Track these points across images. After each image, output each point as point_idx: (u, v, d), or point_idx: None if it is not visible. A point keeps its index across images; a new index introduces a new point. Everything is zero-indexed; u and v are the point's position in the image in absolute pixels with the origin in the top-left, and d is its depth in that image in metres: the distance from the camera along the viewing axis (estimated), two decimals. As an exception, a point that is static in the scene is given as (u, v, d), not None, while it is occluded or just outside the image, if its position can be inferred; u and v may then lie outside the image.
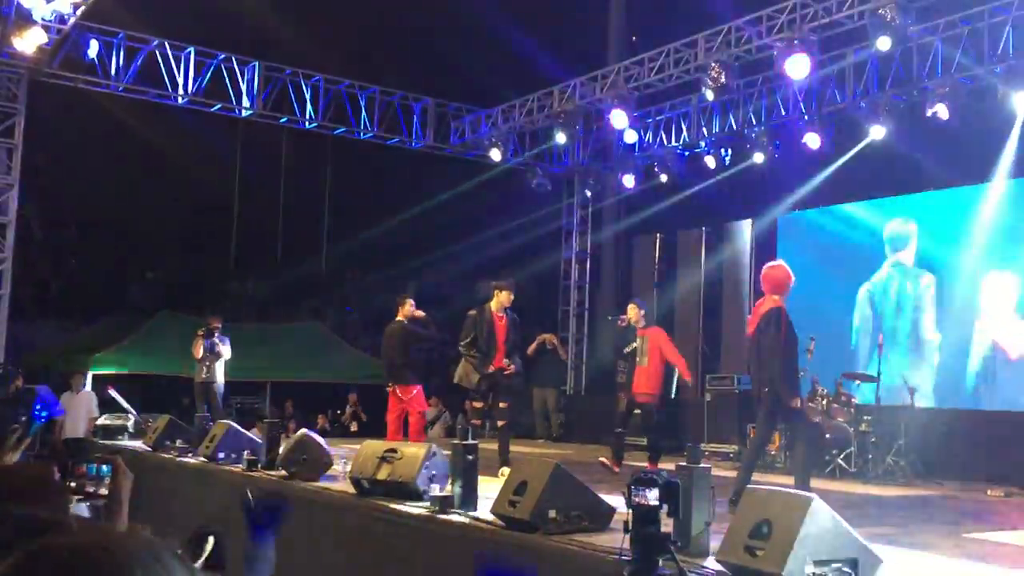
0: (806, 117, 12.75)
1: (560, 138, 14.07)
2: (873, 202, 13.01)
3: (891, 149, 12.13)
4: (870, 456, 9.97)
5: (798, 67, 10.38)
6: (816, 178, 13.52)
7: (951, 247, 11.86)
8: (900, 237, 12.66)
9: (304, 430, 8.13)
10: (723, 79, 11.31)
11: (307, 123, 14.50)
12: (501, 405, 8.93)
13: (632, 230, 16.44)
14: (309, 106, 14.26)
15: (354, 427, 16.17)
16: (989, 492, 9.11)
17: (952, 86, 11.01)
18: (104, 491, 2.20)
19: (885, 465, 9.96)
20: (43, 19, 11.47)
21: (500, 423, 9.05)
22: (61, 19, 11.83)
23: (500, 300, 8.97)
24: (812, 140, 12.60)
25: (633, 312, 9.46)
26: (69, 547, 1.17)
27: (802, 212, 13.87)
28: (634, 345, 9.43)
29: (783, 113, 13.08)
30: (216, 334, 12.24)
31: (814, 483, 8.65)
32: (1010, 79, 10.56)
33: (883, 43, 9.83)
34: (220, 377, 12.35)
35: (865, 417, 10.27)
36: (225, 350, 12.28)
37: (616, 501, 5.25)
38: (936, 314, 12.10)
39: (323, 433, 13.78)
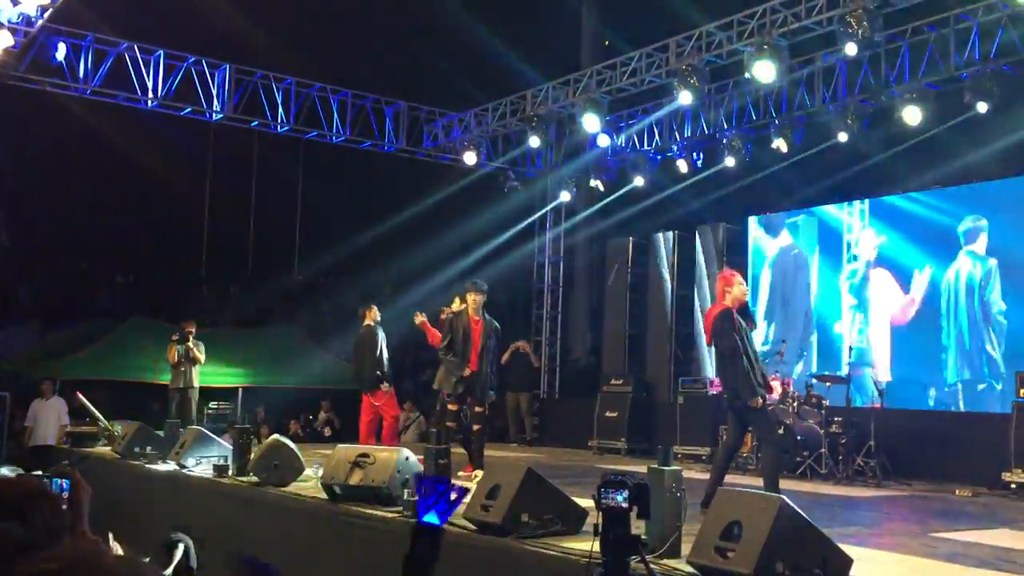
0: (776, 121, 12.86)
1: (533, 142, 14.11)
2: (842, 205, 13.15)
3: (857, 151, 12.28)
4: (840, 457, 10.08)
5: (766, 72, 10.48)
6: (786, 181, 13.64)
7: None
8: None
9: (275, 435, 8.10)
10: (695, 83, 11.39)
11: (279, 127, 14.43)
12: (476, 409, 8.93)
13: (605, 233, 16.50)
14: (281, 109, 14.20)
15: (327, 432, 16.10)
16: (957, 492, 9.24)
17: (919, 91, 11.15)
18: (63, 505, 2.19)
19: (855, 466, 10.07)
20: (9, 21, 11.35)
21: (475, 427, 9.04)
22: (28, 21, 11.72)
23: (471, 302, 8.96)
24: (781, 144, 12.72)
25: (457, 304, 9.34)
26: (67, 568, 1.18)
27: (773, 215, 13.99)
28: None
29: (754, 117, 13.19)
30: (191, 339, 12.20)
31: (784, 484, 8.74)
32: (976, 84, 10.71)
33: (851, 49, 9.95)
34: (195, 382, 12.31)
35: (835, 419, 10.39)
36: (201, 355, 12.24)
37: (589, 504, 5.28)
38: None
39: (296, 439, 13.74)
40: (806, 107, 12.53)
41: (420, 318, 9.99)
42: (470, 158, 14.96)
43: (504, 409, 15.14)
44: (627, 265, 15.35)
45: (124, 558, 1.28)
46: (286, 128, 14.49)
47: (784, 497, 4.52)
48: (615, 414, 13.54)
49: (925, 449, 10.43)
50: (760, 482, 9.51)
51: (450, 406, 8.99)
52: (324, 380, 17.18)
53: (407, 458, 6.62)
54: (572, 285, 17.36)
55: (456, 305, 9.37)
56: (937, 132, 11.47)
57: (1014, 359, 10.62)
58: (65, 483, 2.30)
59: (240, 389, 16.64)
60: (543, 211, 16.86)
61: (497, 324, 9.13)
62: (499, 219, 16.70)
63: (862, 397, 11.61)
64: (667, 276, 14.69)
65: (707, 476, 8.74)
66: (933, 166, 12.02)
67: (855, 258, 12.79)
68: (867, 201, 12.76)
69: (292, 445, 7.90)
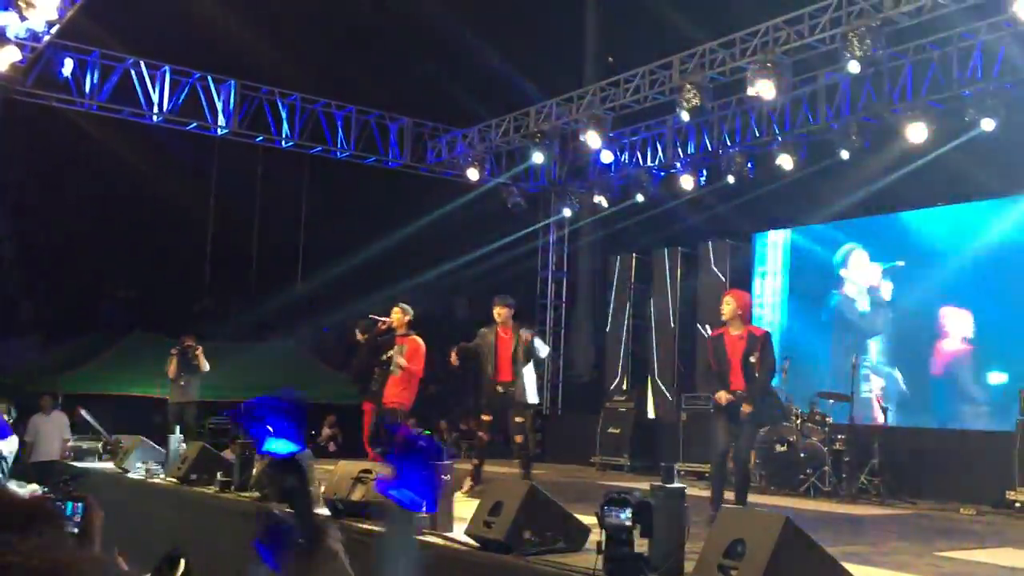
0: (779, 138, 12.88)
1: (537, 158, 14.14)
2: (848, 222, 13.15)
3: (865, 170, 12.29)
4: (844, 475, 10.04)
5: (767, 89, 10.52)
6: (790, 197, 13.66)
7: (915, 270, 12.00)
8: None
9: (278, 451, 8.07)
10: (697, 100, 11.43)
11: (283, 142, 14.48)
12: (515, 420, 8.78)
13: (608, 249, 16.52)
14: (285, 125, 14.25)
15: (332, 448, 16.07)
16: (962, 510, 9.20)
17: (922, 109, 11.18)
18: (74, 529, 2.18)
19: (859, 484, 10.04)
20: (17, 37, 11.41)
21: (516, 438, 8.89)
22: (35, 37, 11.78)
23: (495, 315, 9.01)
24: (785, 161, 12.74)
25: (397, 316, 9.28)
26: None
27: (777, 231, 14.00)
28: (391, 352, 9.26)
29: (756, 134, 13.21)
30: (190, 353, 12.19)
31: (788, 502, 8.70)
32: (979, 103, 10.74)
33: (853, 66, 9.98)
34: (195, 396, 12.29)
35: (839, 436, 10.36)
36: (204, 362, 12.23)
37: (592, 521, 5.26)
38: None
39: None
40: (808, 124, 12.55)
41: (359, 335, 9.50)
42: (473, 174, 14.99)
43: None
44: (630, 280, 15.36)
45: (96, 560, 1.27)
46: (291, 143, 14.53)
47: (789, 515, 4.51)
48: (618, 430, 13.51)
49: (929, 467, 10.40)
50: (764, 499, 9.51)
51: (483, 416, 8.91)
52: (327, 395, 17.18)
53: (409, 474, 6.60)
54: (574, 300, 17.37)
55: (395, 316, 9.27)
56: (941, 150, 11.48)
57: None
58: (79, 506, 2.28)
59: (242, 404, 16.64)
60: (546, 225, 16.88)
61: (530, 331, 9.06)
62: (502, 235, 16.73)
63: (866, 415, 11.58)
64: (670, 292, 14.68)
65: (710, 494, 8.71)
66: (936, 184, 12.01)
67: (858, 277, 12.79)
68: (870, 219, 12.76)
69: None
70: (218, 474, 8.35)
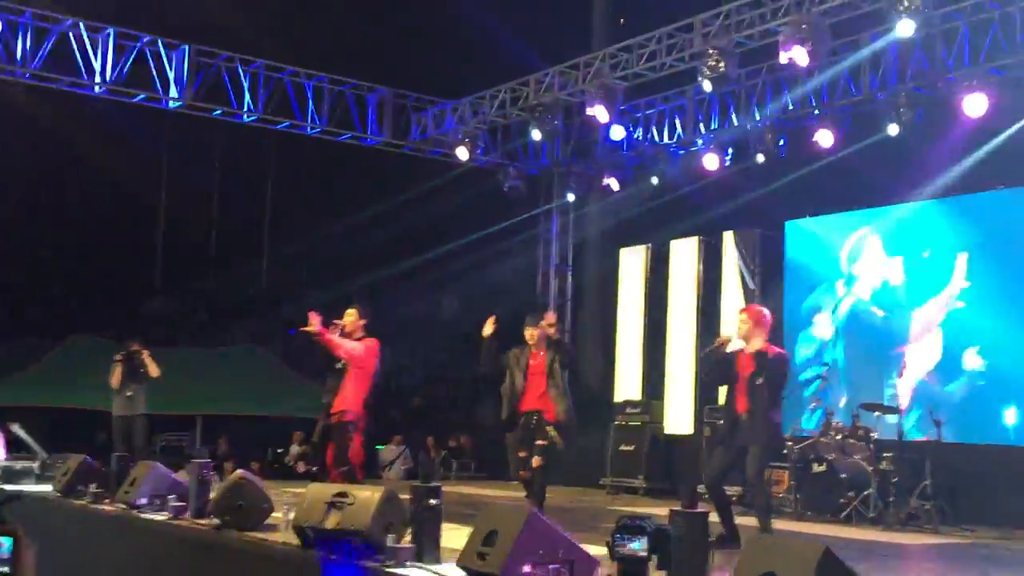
0: (817, 112, 12.89)
1: (536, 134, 14.13)
2: (893, 208, 13.11)
3: (910, 148, 12.27)
4: (891, 499, 10.05)
5: (802, 55, 10.51)
6: (828, 180, 13.65)
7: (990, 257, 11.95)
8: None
9: (240, 471, 8.08)
10: (722, 68, 11.43)
11: (245, 116, 14.48)
12: (538, 442, 8.81)
13: (619, 240, 16.51)
14: (247, 97, 14.25)
15: (301, 468, 16.09)
16: (1027, 539, 9.21)
17: (981, 77, 11.18)
18: (4, 568, 2.18)
19: (909, 509, 10.05)
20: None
21: (535, 461, 8.86)
22: (-43, -5, 11.77)
23: (527, 337, 9.14)
24: (824, 137, 12.73)
25: (351, 318, 9.30)
26: None
27: (813, 218, 13.99)
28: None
29: (790, 107, 13.22)
30: (137, 359, 12.17)
31: (827, 529, 8.71)
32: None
33: (904, 28, 9.96)
34: (142, 409, 12.27)
35: (886, 454, 10.37)
36: (153, 368, 12.19)
37: (601, 552, 5.25)
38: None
39: (264, 475, 13.71)
40: (851, 96, 12.56)
41: (315, 324, 9.11)
42: (464, 153, 14.99)
43: (503, 442, 15.12)
44: (645, 276, 15.35)
45: None
46: (254, 118, 14.53)
47: (828, 545, 4.51)
48: (631, 448, 13.52)
49: (991, 490, 10.41)
50: (797, 526, 9.53)
51: (519, 453, 8.93)
52: (297, 407, 17.16)
53: (391, 498, 6.60)
54: (581, 299, 17.36)
55: (349, 318, 9.27)
56: (1005, 124, 11.48)
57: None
58: (7, 541, 2.27)
59: (198, 418, 16.63)
60: (547, 212, 16.88)
61: (563, 345, 9.20)
62: (496, 223, 16.74)
63: (917, 429, 11.59)
64: (691, 289, 14.68)
65: (738, 520, 8.73)
66: (1000, 163, 11.98)
67: (910, 269, 12.78)
68: (928, 203, 12.72)
69: (259, 482, 7.87)
70: (171, 498, 8.34)
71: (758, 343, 7.68)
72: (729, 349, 7.80)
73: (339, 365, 9.27)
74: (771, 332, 7.82)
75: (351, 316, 9.36)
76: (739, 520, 8.18)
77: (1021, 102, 11.24)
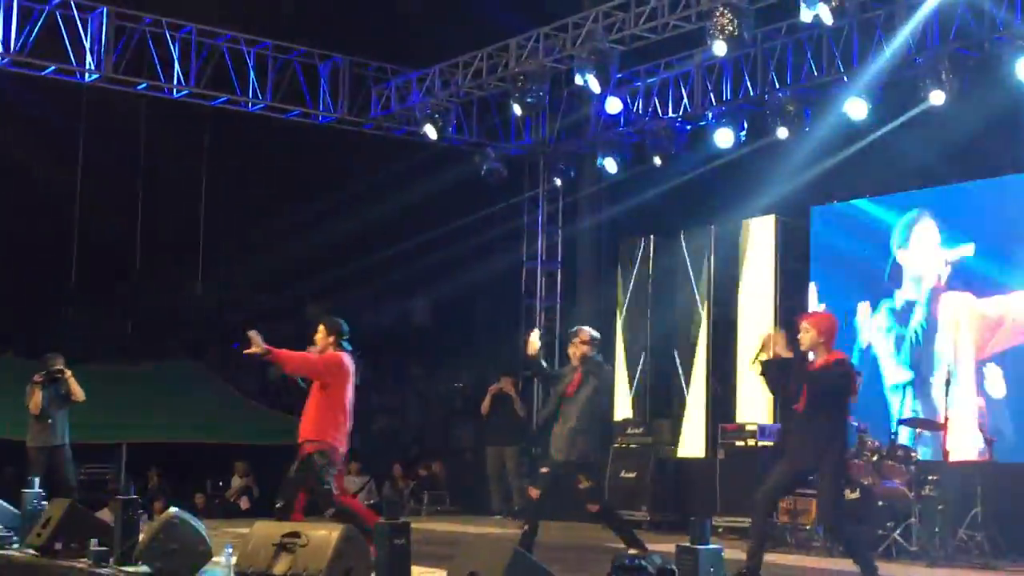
0: (846, 79, 12.95)
1: (518, 109, 14.15)
2: (940, 190, 13.19)
3: (955, 122, 12.33)
4: (937, 529, 10.13)
5: (826, 13, 10.58)
6: (861, 158, 13.74)
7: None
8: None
9: (174, 509, 8.09)
10: (735, 28, 11.48)
11: (175, 90, 14.46)
12: (580, 486, 9.04)
13: (617, 230, 16.58)
14: (178, 67, 14.22)
15: (244, 504, 16.07)
16: (1094, 575, 9.31)
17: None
18: None
19: (956, 541, 10.12)
20: None
21: (589, 508, 9.23)
22: None
23: (570, 356, 9.27)
24: (855, 108, 12.79)
25: (321, 335, 9.20)
26: None
27: (844, 203, 14.07)
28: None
29: (815, 73, 13.29)
30: (60, 380, 12.19)
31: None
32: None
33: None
34: (67, 438, 12.29)
35: (930, 478, 10.44)
36: (78, 390, 12.23)
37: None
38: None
39: (202, 513, 13.69)
40: (883, 60, 12.63)
41: (258, 343, 8.90)
42: (433, 131, 14.99)
43: (483, 470, 15.16)
44: (647, 272, 15.40)
45: None
46: (185, 92, 14.50)
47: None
48: (633, 474, 13.55)
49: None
50: (831, 563, 9.59)
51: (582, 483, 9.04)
52: (240, 433, 17.15)
53: (352, 537, 6.63)
54: (573, 299, 17.40)
55: (320, 337, 9.28)
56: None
57: None
58: None
59: (123, 447, 16.58)
60: (532, 199, 16.91)
61: (596, 361, 9.22)
62: (474, 212, 16.76)
63: (966, 449, 11.68)
64: (700, 287, 14.74)
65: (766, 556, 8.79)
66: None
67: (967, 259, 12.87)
68: (979, 183, 12.81)
69: (196, 522, 7.88)
70: (92, 542, 8.34)
71: (824, 352, 7.94)
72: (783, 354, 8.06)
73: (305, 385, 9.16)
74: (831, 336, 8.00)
75: (320, 333, 9.21)
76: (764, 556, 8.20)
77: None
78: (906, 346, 13.11)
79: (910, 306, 13.10)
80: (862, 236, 13.67)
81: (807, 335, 7.96)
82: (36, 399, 12.18)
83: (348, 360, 9.06)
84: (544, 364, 9.65)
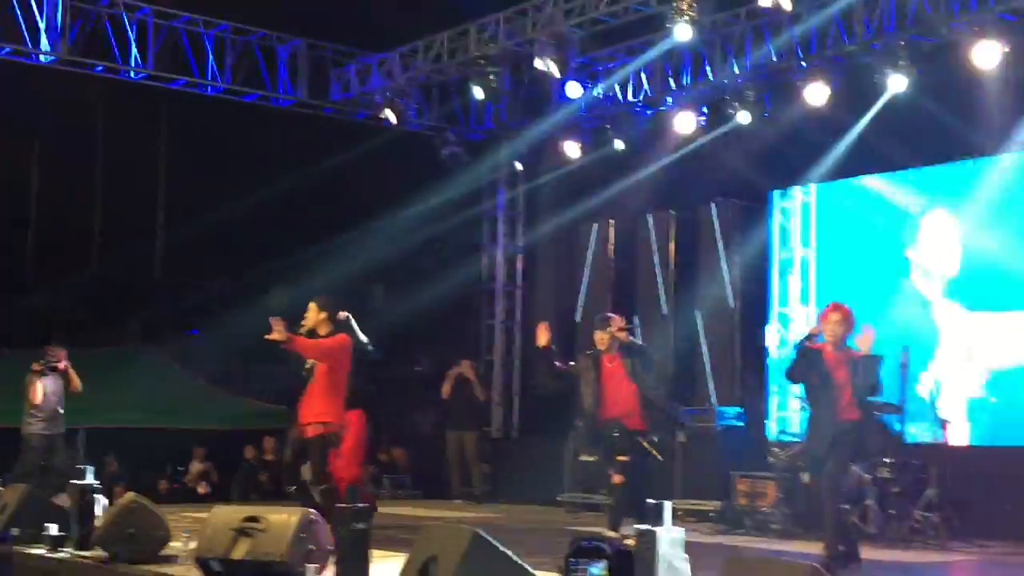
0: (804, 63, 13.00)
1: (478, 93, 14.13)
2: (898, 174, 13.30)
3: (917, 106, 12.41)
4: (893, 511, 10.24)
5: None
6: (819, 143, 13.79)
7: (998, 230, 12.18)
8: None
9: (132, 494, 8.06)
10: (695, 12, 11.50)
11: (133, 72, 14.33)
12: (618, 458, 9.72)
13: (579, 215, 16.58)
14: (135, 50, 14.09)
15: (202, 489, 16.01)
16: (1048, 555, 9.44)
17: (992, 23, 11.35)
18: None
19: (912, 522, 10.24)
20: None
21: (614, 479, 9.77)
22: None
23: (598, 342, 10.03)
24: (815, 94, 12.83)
25: (312, 314, 9.43)
26: None
27: (805, 187, 14.15)
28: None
29: (774, 59, 13.33)
30: (59, 369, 12.56)
31: (820, 547, 8.86)
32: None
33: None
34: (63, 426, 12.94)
35: (886, 460, 10.54)
36: (76, 382, 13.02)
37: (557, 579, 5.32)
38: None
39: (162, 498, 13.64)
40: (843, 45, 12.69)
41: (280, 330, 8.96)
42: (393, 115, 14.95)
43: (443, 454, 15.16)
44: (608, 257, 15.43)
45: None
46: (143, 75, 14.39)
47: (816, 565, 4.61)
48: (594, 458, 13.60)
49: (1005, 498, 10.63)
50: (789, 545, 9.68)
51: (614, 480, 9.71)
52: (198, 418, 17.06)
53: (312, 522, 6.62)
54: (535, 285, 17.40)
55: (310, 314, 9.37)
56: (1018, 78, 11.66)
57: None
58: None
59: (81, 432, 16.47)
60: (492, 183, 16.90)
61: (636, 344, 10.15)
62: (434, 196, 16.71)
63: (923, 430, 11.81)
64: (661, 271, 14.80)
65: (716, 539, 8.96)
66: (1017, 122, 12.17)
67: (912, 242, 12.99)
68: (930, 169, 12.93)
69: (154, 507, 7.86)
70: (49, 528, 8.29)
71: (851, 343, 8.55)
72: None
73: (308, 366, 9.24)
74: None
75: (311, 312, 9.40)
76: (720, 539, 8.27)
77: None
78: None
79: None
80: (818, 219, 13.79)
81: (837, 326, 8.56)
82: (35, 391, 12.70)
83: (348, 339, 9.27)
84: (555, 352, 10.31)
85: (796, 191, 14.08)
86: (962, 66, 11.63)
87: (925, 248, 12.90)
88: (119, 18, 13.98)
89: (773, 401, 13.80)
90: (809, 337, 8.73)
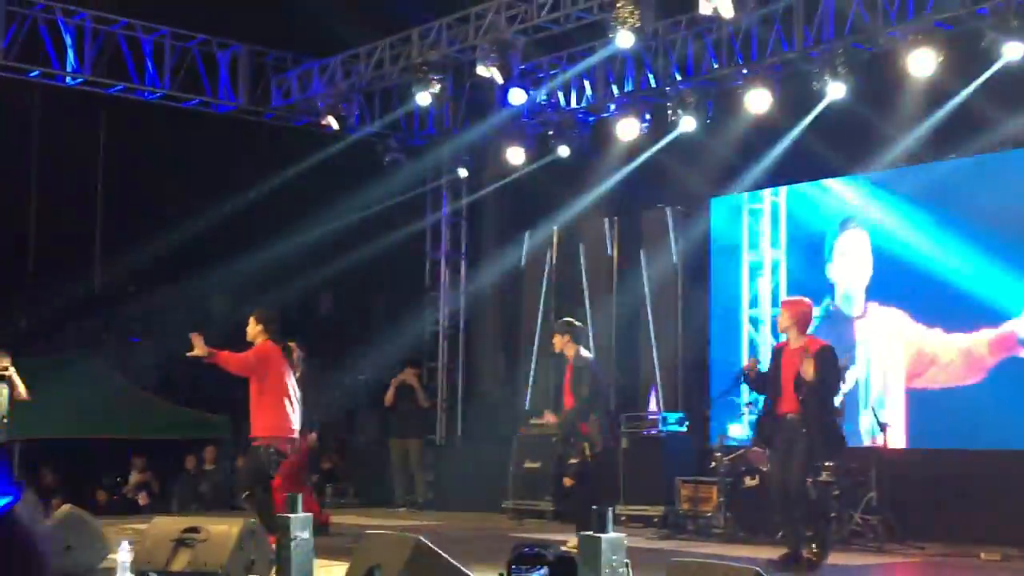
0: (744, 71, 13.13)
1: (422, 99, 14.13)
2: (843, 179, 13.43)
3: (854, 113, 12.57)
4: (833, 514, 10.35)
5: (726, 6, 10.74)
6: (759, 149, 13.92)
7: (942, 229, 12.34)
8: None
9: (68, 507, 7.97)
10: (636, 20, 11.57)
11: (69, 78, 14.19)
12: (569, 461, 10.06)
13: (520, 222, 16.62)
14: (71, 54, 13.96)
15: (143, 500, 15.86)
16: (983, 555, 9.59)
17: (927, 31, 11.53)
18: None
19: (851, 525, 10.36)
20: None
21: (565, 481, 10.17)
22: None
23: (556, 346, 10.45)
24: (757, 100, 12.94)
25: (251, 327, 9.53)
26: None
27: (744, 194, 14.27)
28: None
29: (715, 66, 13.44)
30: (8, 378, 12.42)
31: (760, 551, 8.94)
32: (999, 22, 11.10)
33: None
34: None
35: (826, 464, 10.65)
36: (21, 389, 12.98)
37: (499, 586, 5.33)
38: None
39: (99, 510, 13.48)
40: (782, 52, 12.83)
41: (200, 345, 9.01)
42: (335, 121, 14.91)
43: (387, 462, 15.13)
44: (551, 263, 15.48)
45: None
46: (79, 80, 14.24)
47: (759, 570, 4.66)
48: (537, 464, 13.63)
49: (942, 501, 10.79)
50: (731, 549, 9.74)
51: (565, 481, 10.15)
52: (138, 427, 16.90)
53: (252, 532, 6.59)
54: (478, 292, 17.42)
55: (250, 328, 9.46)
56: (955, 87, 11.85)
57: None
58: None
59: (15, 444, 16.25)
60: (436, 190, 16.89)
61: (585, 355, 10.35)
62: (377, 203, 16.67)
63: (862, 434, 11.96)
64: (605, 277, 14.87)
65: (660, 544, 8.99)
66: (952, 130, 12.36)
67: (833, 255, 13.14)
68: (866, 177, 13.10)
69: (91, 519, 7.78)
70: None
71: (802, 339, 8.76)
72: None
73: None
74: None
75: (250, 324, 9.48)
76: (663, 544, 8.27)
77: (971, 60, 11.60)
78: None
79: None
80: (759, 225, 13.92)
81: (785, 321, 8.92)
82: None
83: (275, 348, 9.17)
84: None
85: (765, 193, 14.11)
86: (899, 74, 11.82)
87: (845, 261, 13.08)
88: (55, 22, 13.85)
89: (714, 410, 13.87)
90: (749, 371, 9.19)
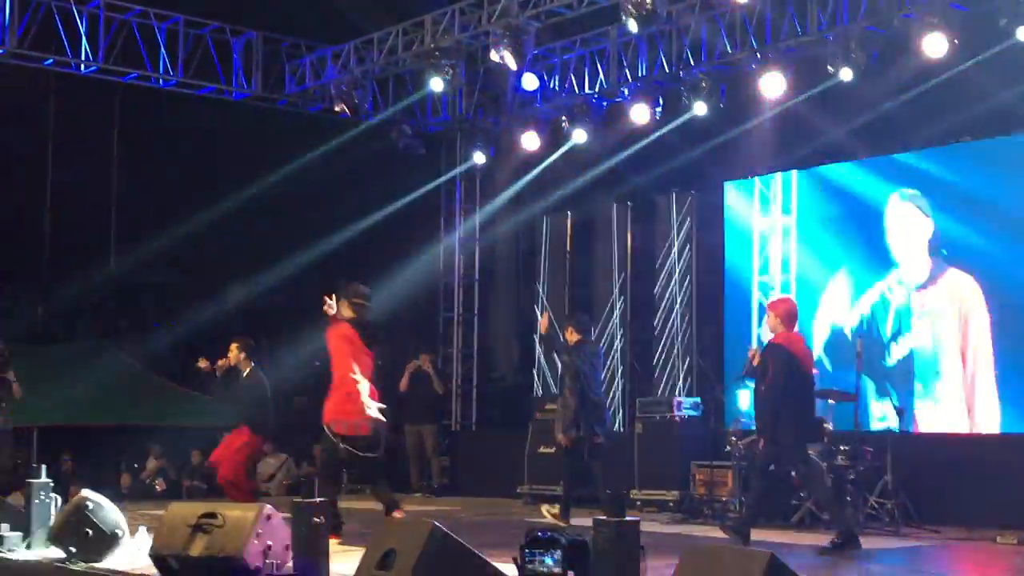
0: (758, 55, 13.08)
1: (435, 84, 14.11)
2: (846, 164, 13.41)
3: (865, 93, 12.52)
4: (848, 498, 10.34)
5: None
6: (774, 132, 13.88)
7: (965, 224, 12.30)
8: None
9: (85, 492, 8.00)
10: (649, 4, 11.53)
11: (84, 66, 14.21)
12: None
13: (537, 208, 16.60)
14: (86, 42, 13.98)
15: (160, 487, 15.92)
16: (998, 539, 9.57)
17: (942, 14, 11.46)
18: None
19: (868, 509, 10.35)
20: None
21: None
22: None
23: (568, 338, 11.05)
24: (770, 84, 12.90)
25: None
26: None
27: (756, 178, 14.24)
28: None
29: (728, 50, 13.39)
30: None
31: (777, 535, 8.94)
32: (1017, 3, 11.04)
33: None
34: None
35: (841, 447, 10.65)
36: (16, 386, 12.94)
37: (513, 570, 5.33)
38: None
39: (121, 496, 13.53)
40: (796, 36, 12.77)
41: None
42: (348, 107, 14.91)
43: (403, 447, 15.16)
44: (566, 249, 15.47)
45: None
46: (94, 68, 14.26)
47: (774, 553, 4.65)
48: (552, 450, 13.64)
49: (958, 485, 10.77)
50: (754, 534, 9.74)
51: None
52: (155, 415, 16.96)
53: (269, 517, 6.60)
54: (493, 278, 17.43)
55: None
56: (967, 68, 11.79)
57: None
58: None
59: (34, 430, 16.35)
60: (451, 178, 16.88)
61: (586, 348, 10.83)
62: (391, 190, 16.68)
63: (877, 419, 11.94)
64: (618, 263, 14.86)
65: (674, 529, 9.01)
66: (962, 112, 12.30)
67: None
68: (878, 159, 13.07)
69: (109, 505, 7.81)
70: (3, 527, 8.24)
71: (790, 336, 9.06)
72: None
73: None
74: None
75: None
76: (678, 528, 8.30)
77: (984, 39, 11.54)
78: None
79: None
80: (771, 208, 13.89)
81: (772, 320, 9.14)
82: None
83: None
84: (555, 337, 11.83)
85: (777, 176, 14.07)
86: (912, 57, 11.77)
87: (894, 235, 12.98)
88: (69, 11, 13.86)
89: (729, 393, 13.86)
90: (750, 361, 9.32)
